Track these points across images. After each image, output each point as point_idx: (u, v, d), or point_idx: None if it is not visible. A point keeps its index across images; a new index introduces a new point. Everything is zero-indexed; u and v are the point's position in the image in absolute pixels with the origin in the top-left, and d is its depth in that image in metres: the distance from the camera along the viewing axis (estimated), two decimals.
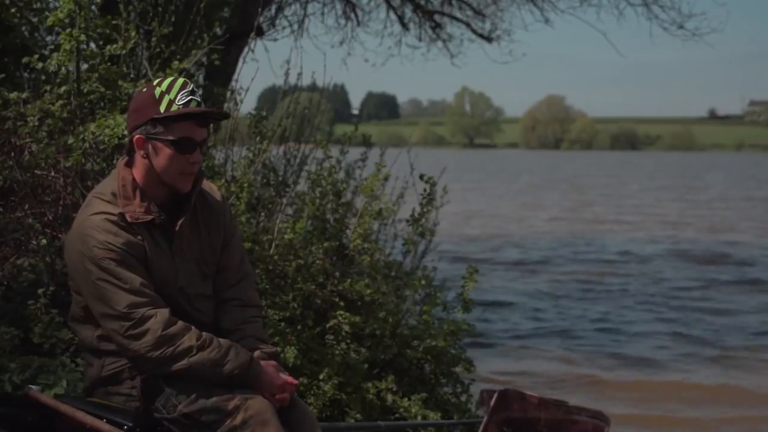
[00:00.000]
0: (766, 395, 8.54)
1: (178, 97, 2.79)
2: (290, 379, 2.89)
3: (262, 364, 2.85)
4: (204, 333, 2.80)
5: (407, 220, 5.47)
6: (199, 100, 2.83)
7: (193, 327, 2.79)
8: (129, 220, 2.80)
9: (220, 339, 2.82)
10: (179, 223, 2.88)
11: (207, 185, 3.06)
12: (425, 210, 5.43)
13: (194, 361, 2.74)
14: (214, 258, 3.00)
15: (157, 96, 2.80)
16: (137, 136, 2.82)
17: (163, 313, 2.75)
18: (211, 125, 5.04)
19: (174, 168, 2.81)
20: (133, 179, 2.86)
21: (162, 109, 2.79)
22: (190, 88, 2.82)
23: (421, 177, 5.44)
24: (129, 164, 2.88)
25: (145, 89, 2.87)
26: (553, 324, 11.47)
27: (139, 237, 2.80)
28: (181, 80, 2.84)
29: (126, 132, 2.98)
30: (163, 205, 2.88)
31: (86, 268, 2.77)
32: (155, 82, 2.85)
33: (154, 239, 2.84)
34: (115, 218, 2.78)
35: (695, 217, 27.26)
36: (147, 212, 2.83)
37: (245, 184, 4.76)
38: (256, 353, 2.90)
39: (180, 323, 2.77)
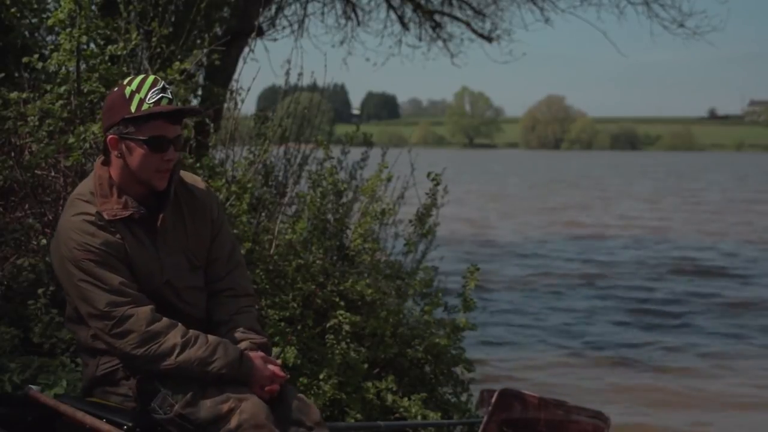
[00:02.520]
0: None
1: (148, 96, 2.78)
2: (278, 371, 2.88)
3: (252, 359, 2.84)
4: (191, 330, 2.79)
5: (410, 221, 5.47)
6: (170, 97, 2.81)
7: (179, 324, 2.78)
8: (107, 218, 2.79)
9: (209, 336, 2.81)
10: (160, 217, 2.87)
11: (190, 177, 3.05)
12: (428, 210, 5.43)
13: (181, 360, 2.73)
14: (203, 249, 2.99)
15: (127, 95, 2.78)
16: (110, 136, 2.81)
17: (145, 310, 2.75)
18: (211, 124, 5.09)
19: (149, 167, 2.80)
20: (110, 177, 2.85)
21: (133, 108, 2.77)
22: (161, 86, 2.80)
23: (428, 175, 5.44)
24: (105, 163, 2.88)
25: (116, 89, 2.86)
26: (532, 330, 11.41)
27: (118, 235, 2.79)
28: (151, 78, 2.82)
29: None
30: (142, 201, 2.87)
31: (68, 270, 2.78)
32: (125, 81, 2.84)
33: (135, 235, 2.83)
34: (92, 218, 2.78)
35: (683, 221, 26.93)
36: (125, 208, 2.82)
37: (248, 185, 4.76)
38: (245, 344, 2.89)
39: (164, 320, 2.77)
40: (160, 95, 2.79)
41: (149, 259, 2.85)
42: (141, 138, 2.78)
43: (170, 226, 2.90)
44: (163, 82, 2.82)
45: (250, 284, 3.14)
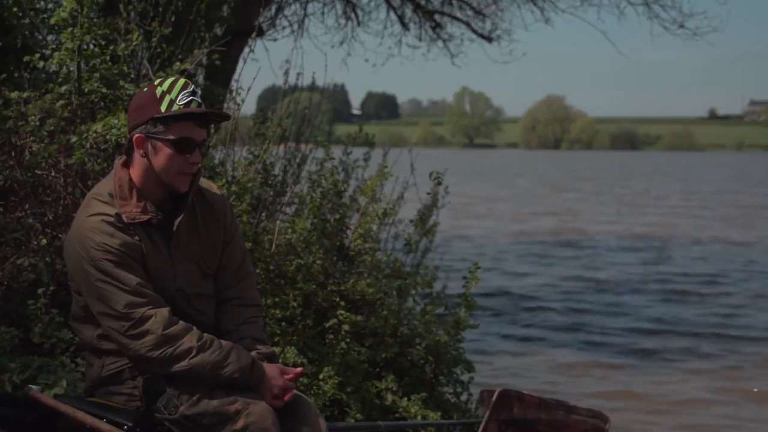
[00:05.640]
0: None
1: (179, 97, 2.80)
2: (291, 384, 2.88)
3: (264, 367, 2.85)
4: (205, 334, 2.80)
5: (411, 220, 5.48)
6: (199, 100, 2.84)
7: (194, 327, 2.79)
8: (125, 220, 2.80)
9: (221, 340, 2.82)
10: (176, 222, 2.87)
11: (206, 184, 3.06)
12: (428, 211, 5.44)
13: (195, 363, 2.74)
14: (215, 257, 2.99)
15: (158, 95, 2.81)
16: (137, 135, 2.82)
17: (163, 312, 2.76)
18: (212, 126, 5.09)
19: (173, 168, 2.82)
20: (130, 179, 2.86)
21: (163, 108, 2.79)
22: (191, 89, 2.83)
23: (431, 175, 5.45)
24: (126, 164, 2.89)
25: (146, 88, 2.88)
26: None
27: (136, 237, 2.81)
28: (182, 80, 2.85)
29: None
30: (160, 205, 2.88)
31: (85, 270, 2.78)
32: (156, 82, 2.86)
33: (152, 239, 2.84)
34: (111, 219, 2.78)
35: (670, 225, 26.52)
36: (144, 212, 2.83)
37: (249, 184, 4.77)
38: (252, 354, 2.90)
39: (181, 323, 2.77)
40: (191, 98, 2.81)
41: (163, 265, 2.85)
42: (169, 138, 2.79)
43: (185, 232, 2.91)
44: (193, 86, 2.84)
45: (258, 294, 3.14)
